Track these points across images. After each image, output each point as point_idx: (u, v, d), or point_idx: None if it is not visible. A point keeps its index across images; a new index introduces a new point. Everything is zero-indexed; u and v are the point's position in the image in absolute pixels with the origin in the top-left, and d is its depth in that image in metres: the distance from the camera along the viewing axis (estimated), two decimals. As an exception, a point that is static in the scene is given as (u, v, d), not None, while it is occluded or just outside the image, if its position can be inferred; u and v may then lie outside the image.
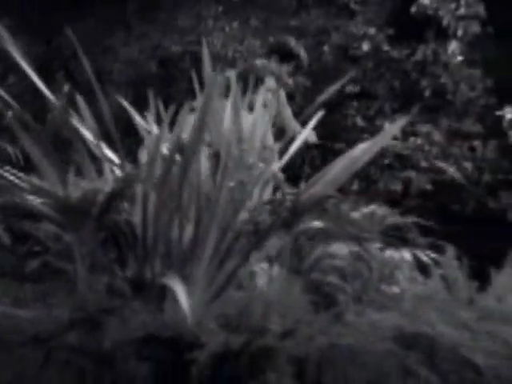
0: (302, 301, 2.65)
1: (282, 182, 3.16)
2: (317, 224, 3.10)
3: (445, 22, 6.50)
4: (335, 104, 7.18)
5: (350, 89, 7.12)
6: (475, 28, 6.61)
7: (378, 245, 3.09)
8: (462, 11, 6.48)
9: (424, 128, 6.85)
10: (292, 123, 5.93)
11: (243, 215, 3.06)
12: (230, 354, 2.41)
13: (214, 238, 2.91)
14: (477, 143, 6.64)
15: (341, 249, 3.15)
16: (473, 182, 6.77)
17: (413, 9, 6.60)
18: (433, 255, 3.19)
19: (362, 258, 2.93)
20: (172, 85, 7.19)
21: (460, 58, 6.70)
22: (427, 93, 6.77)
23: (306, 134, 4.05)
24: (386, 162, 6.98)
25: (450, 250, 3.32)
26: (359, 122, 7.08)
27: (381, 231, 3.40)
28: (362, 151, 3.18)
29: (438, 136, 6.82)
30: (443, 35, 6.57)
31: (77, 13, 7.55)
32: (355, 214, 3.25)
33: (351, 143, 7.00)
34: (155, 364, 2.52)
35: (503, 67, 7.78)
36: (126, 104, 3.65)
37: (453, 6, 6.50)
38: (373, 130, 7.07)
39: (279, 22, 7.36)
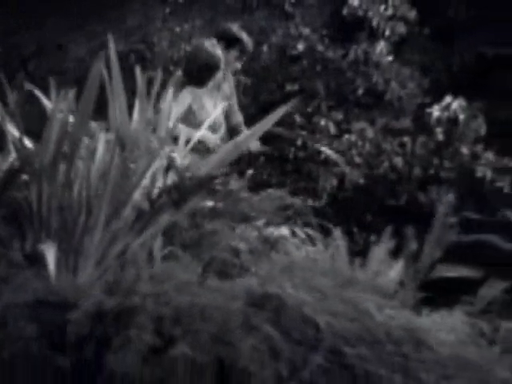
0: (180, 271, 2.87)
1: (175, 164, 3.38)
2: (207, 203, 3.33)
3: (374, 23, 6.78)
4: (276, 102, 7.43)
5: (290, 87, 7.37)
6: (401, 29, 6.89)
7: (262, 222, 3.32)
8: (389, 12, 6.76)
9: (358, 125, 7.11)
10: (236, 115, 6.21)
11: (138, 193, 3.29)
12: (102, 314, 2.63)
13: (106, 214, 3.13)
14: (407, 139, 6.90)
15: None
16: (404, 176, 7.04)
17: (345, 11, 6.88)
18: (311, 232, 3.43)
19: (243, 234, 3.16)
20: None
21: (390, 57, 6.97)
22: (360, 91, 7.04)
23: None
24: (322, 158, 7.24)
25: (337, 231, 3.59)
26: (298, 119, 7.32)
27: (278, 211, 3.65)
28: (245, 137, 3.43)
29: (371, 133, 7.07)
30: (373, 36, 6.85)
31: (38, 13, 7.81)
32: (249, 195, 3.49)
33: (291, 139, 7.28)
34: (41, 325, 2.72)
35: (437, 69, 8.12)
36: (38, 92, 3.85)
37: (382, 7, 6.77)
38: (310, 127, 7.35)
39: (223, 23, 7.61)
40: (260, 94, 7.64)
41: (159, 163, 3.29)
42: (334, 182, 7.14)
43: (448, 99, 6.75)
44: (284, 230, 3.35)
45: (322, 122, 7.16)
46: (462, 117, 6.65)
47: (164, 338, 2.44)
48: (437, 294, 6.97)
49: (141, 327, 2.48)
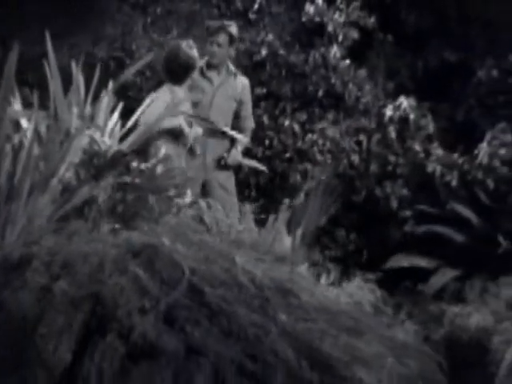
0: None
1: (94, 143, 3.77)
2: (124, 178, 3.73)
3: (330, 29, 7.17)
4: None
5: (258, 91, 7.76)
6: (355, 35, 7.27)
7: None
8: (342, 19, 7.14)
9: (320, 125, 7.49)
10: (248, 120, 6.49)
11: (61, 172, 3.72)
12: (8, 263, 3.04)
13: (29, 186, 3.54)
14: (363, 138, 7.26)
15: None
16: (362, 173, 7.40)
17: (303, 18, 7.28)
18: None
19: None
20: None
21: (347, 61, 7.36)
22: (320, 93, 7.41)
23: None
24: (287, 155, 7.62)
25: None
26: (265, 120, 7.70)
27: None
28: (156, 120, 3.86)
29: (331, 132, 7.44)
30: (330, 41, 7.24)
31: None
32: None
33: (260, 139, 7.66)
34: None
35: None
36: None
37: (337, 14, 7.16)
38: (276, 128, 7.73)
39: (198, 32, 8.01)
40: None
41: (78, 143, 3.69)
42: (298, 177, 7.52)
43: (401, 99, 7.12)
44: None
45: (287, 123, 7.53)
46: (412, 116, 7.01)
47: (51, 279, 2.83)
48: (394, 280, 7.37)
49: (35, 271, 2.87)
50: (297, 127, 7.56)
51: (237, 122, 6.31)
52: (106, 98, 4.32)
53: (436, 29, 8.21)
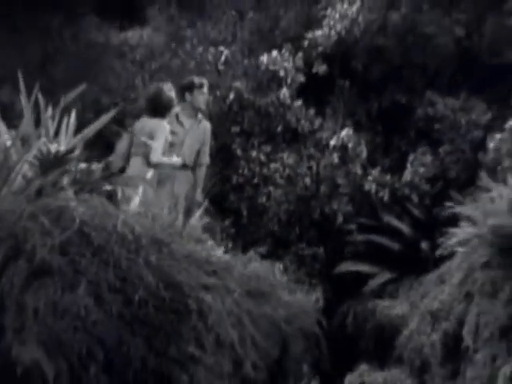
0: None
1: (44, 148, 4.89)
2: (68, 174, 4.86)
3: (282, 74, 8.29)
4: (226, 141, 8.99)
5: (233, 129, 8.89)
6: (301, 78, 8.38)
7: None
8: (290, 65, 8.25)
9: (281, 155, 8.57)
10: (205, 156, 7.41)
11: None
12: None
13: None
14: (313, 163, 8.30)
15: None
16: (314, 193, 8.42)
17: (261, 66, 8.43)
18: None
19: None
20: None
21: (300, 102, 8.44)
22: (279, 129, 8.52)
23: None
24: (255, 181, 8.69)
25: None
26: (239, 152, 8.80)
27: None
28: (91, 128, 4.99)
29: (291, 160, 8.51)
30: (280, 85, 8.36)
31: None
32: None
33: (234, 168, 8.74)
34: None
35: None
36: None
37: (286, 62, 8.28)
38: (246, 158, 8.82)
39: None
40: (217, 136, 9.14)
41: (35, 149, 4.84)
42: (264, 198, 8.57)
43: (343, 132, 8.16)
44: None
45: (255, 154, 8.63)
46: (350, 144, 8.04)
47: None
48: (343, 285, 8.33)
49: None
50: (263, 157, 8.64)
51: (197, 158, 7.30)
52: (71, 121, 5.45)
53: (387, 75, 9.21)
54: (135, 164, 6.50)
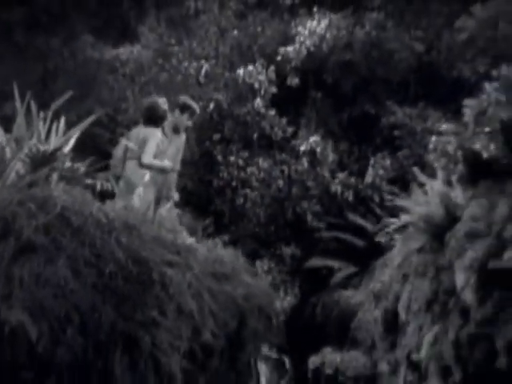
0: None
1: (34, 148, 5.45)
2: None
3: (256, 86, 8.88)
4: (208, 147, 9.56)
5: (215, 136, 9.46)
6: (273, 89, 8.96)
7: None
8: (263, 77, 8.84)
9: (257, 159, 9.13)
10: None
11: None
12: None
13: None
14: (285, 167, 8.86)
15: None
16: (286, 195, 8.98)
17: (239, 79, 9.01)
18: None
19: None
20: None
21: (273, 111, 9.02)
22: (255, 136, 9.09)
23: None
24: (234, 184, 9.25)
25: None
26: (219, 158, 9.37)
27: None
28: (75, 130, 5.54)
29: (265, 164, 9.07)
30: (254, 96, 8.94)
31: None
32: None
33: (215, 173, 9.31)
34: None
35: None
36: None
37: (260, 75, 8.88)
38: (226, 163, 9.39)
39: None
40: (200, 143, 9.72)
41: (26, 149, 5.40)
42: (241, 200, 9.13)
43: (312, 138, 8.72)
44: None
45: (233, 159, 9.20)
46: (318, 149, 8.60)
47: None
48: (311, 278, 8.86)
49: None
50: (241, 162, 9.21)
51: None
52: (60, 126, 6.01)
53: (356, 87, 9.79)
54: (130, 166, 7.06)
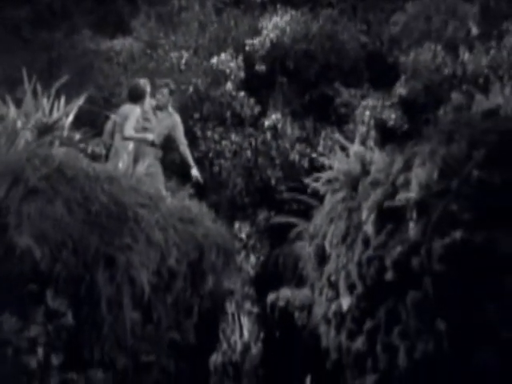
0: None
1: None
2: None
3: (228, 72, 9.95)
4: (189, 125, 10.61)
5: (195, 115, 10.53)
6: (242, 74, 10.04)
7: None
8: (233, 64, 9.91)
9: (230, 134, 10.21)
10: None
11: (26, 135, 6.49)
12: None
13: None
14: (252, 140, 9.95)
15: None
16: (254, 164, 10.05)
17: (214, 66, 10.08)
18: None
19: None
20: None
21: (242, 93, 10.08)
22: (228, 114, 10.18)
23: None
24: (210, 155, 10.33)
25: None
26: (199, 134, 10.44)
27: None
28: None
29: (237, 138, 10.14)
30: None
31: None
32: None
33: (195, 146, 10.37)
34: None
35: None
36: None
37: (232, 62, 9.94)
38: (204, 138, 10.44)
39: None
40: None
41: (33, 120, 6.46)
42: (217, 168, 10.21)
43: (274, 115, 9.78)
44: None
45: (210, 134, 10.26)
46: (279, 125, 9.68)
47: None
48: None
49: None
50: (216, 136, 10.27)
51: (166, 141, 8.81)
52: (61, 103, 7.04)
53: (315, 73, 10.83)
54: (117, 139, 8.14)
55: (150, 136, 8.27)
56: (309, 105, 10.86)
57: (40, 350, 4.86)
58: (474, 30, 8.64)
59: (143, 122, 8.49)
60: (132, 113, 8.09)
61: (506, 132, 5.09)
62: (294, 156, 9.54)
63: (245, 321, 8.65)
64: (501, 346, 4.68)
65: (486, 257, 4.79)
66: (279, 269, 9.70)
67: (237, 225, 10.10)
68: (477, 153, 5.03)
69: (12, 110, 6.61)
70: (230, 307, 8.43)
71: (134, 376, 5.47)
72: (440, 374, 4.86)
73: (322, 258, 6.42)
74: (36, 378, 4.84)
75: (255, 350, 8.45)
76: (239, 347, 7.98)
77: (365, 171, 6.18)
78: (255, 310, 9.34)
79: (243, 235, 10.26)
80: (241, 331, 8.39)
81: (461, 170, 5.04)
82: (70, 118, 6.87)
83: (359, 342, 5.39)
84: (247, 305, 8.98)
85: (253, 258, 10.74)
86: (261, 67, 10.20)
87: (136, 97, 8.33)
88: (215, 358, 7.58)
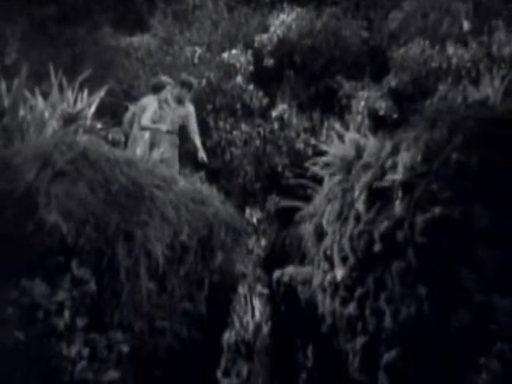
0: None
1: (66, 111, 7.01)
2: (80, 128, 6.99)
3: (238, 66, 10.39)
4: (202, 115, 11.07)
5: (208, 107, 10.98)
6: (251, 67, 10.45)
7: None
8: (243, 59, 10.34)
9: (240, 124, 10.65)
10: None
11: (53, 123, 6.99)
12: None
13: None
14: (261, 129, 10.39)
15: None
16: (262, 152, 10.50)
17: (225, 60, 10.53)
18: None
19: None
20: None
21: (251, 86, 10.51)
22: (238, 106, 10.62)
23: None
24: (222, 144, 10.78)
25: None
26: (211, 124, 10.90)
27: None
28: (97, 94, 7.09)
29: (247, 128, 10.59)
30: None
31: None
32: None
33: (208, 136, 10.83)
34: None
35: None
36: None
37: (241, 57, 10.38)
38: (216, 128, 10.89)
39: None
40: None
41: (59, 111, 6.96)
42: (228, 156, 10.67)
43: (281, 106, 10.21)
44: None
45: (221, 124, 10.72)
46: (285, 116, 10.12)
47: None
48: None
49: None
50: (228, 126, 10.73)
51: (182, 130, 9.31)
52: (84, 95, 7.53)
53: (320, 67, 11.25)
54: (135, 128, 8.65)
55: (163, 127, 8.74)
56: (314, 97, 11.27)
57: (66, 313, 5.25)
58: (466, 26, 9.02)
59: (160, 111, 8.97)
60: (150, 105, 8.57)
61: (482, 119, 5.50)
62: (300, 145, 9.96)
63: (256, 302, 8.97)
64: (475, 309, 5.05)
65: (462, 230, 5.18)
66: (286, 249, 10.16)
67: (248, 210, 10.52)
68: (456, 138, 5.43)
69: (40, 102, 7.09)
70: (243, 289, 8.72)
71: (150, 339, 5.91)
72: (421, 335, 5.27)
73: (320, 234, 6.85)
74: (63, 337, 5.26)
75: (266, 329, 8.73)
76: (251, 327, 8.19)
77: (358, 156, 6.60)
78: (266, 291, 9.73)
79: (254, 220, 10.65)
80: (253, 312, 8.72)
81: (441, 153, 5.44)
82: (93, 108, 7.36)
83: (351, 308, 5.84)
84: (259, 287, 9.35)
85: (264, 242, 11.16)
86: (269, 61, 10.61)
87: (157, 88, 8.85)
88: (228, 337, 7.83)
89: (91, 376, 5.01)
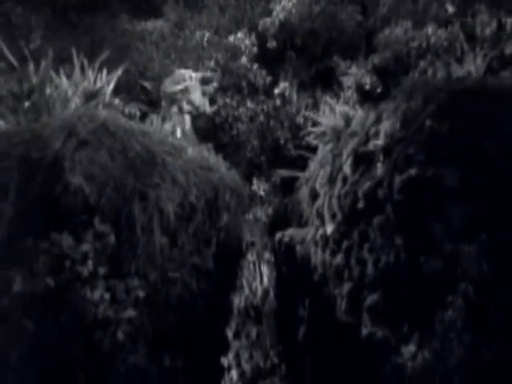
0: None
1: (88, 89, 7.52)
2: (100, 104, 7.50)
3: (243, 48, 10.84)
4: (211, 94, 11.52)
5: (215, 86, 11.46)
6: (255, 50, 10.91)
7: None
8: (248, 41, 10.78)
9: (246, 101, 11.11)
10: None
11: (75, 100, 7.50)
12: None
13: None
14: (264, 106, 10.85)
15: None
16: (266, 127, 10.97)
17: (231, 43, 10.97)
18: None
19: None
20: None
21: (256, 66, 10.97)
22: (244, 84, 11.09)
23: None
24: (229, 120, 11.26)
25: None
26: (219, 101, 11.35)
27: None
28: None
29: (252, 105, 11.05)
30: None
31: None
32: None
33: (215, 112, 11.31)
34: None
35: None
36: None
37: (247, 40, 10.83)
38: (224, 105, 11.36)
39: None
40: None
41: (81, 88, 7.46)
42: (236, 131, 11.14)
43: (281, 84, 10.66)
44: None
45: (228, 101, 11.18)
46: (286, 93, 10.56)
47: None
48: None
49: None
50: (234, 103, 11.19)
51: None
52: (103, 74, 8.03)
53: (320, 48, 11.66)
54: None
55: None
56: (315, 76, 11.69)
57: (90, 263, 5.72)
58: (451, 9, 9.43)
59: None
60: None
61: (452, 91, 5.94)
62: (300, 119, 10.40)
63: (264, 269, 9.36)
64: (444, 255, 5.49)
65: (434, 188, 5.59)
66: (287, 214, 10.63)
67: (255, 182, 10.98)
68: (429, 107, 5.87)
69: (64, 81, 7.58)
70: (252, 256, 9.13)
71: (162, 287, 6.40)
72: (399, 279, 5.74)
73: (313, 196, 7.32)
74: (87, 283, 5.77)
75: (273, 294, 8.82)
76: (259, 292, 8.44)
77: (347, 126, 7.07)
78: (273, 259, 10.13)
79: (262, 192, 11.11)
80: (261, 278, 9.13)
81: (416, 121, 5.89)
82: (111, 86, 7.85)
83: (338, 258, 6.33)
84: (266, 254, 9.77)
85: (270, 211, 11.62)
86: (272, 43, 11.07)
87: None
88: (238, 302, 8.11)
89: (112, 314, 5.54)
